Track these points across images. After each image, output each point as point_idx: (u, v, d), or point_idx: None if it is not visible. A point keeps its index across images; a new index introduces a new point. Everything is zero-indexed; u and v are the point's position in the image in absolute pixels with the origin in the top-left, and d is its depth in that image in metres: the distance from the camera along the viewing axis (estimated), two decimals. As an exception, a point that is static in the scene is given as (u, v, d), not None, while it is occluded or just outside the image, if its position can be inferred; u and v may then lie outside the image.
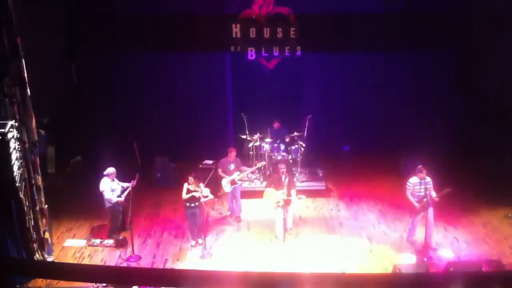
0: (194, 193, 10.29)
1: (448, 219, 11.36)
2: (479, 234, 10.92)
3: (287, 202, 10.62)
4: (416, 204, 10.09)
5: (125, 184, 10.85)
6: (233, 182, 11.58)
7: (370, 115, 14.95)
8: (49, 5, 13.15)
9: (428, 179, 10.11)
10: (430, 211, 10.18)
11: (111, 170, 10.74)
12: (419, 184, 10.07)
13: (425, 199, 10.07)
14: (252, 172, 12.82)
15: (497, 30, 13.38)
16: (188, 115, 14.96)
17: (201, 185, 10.40)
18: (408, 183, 10.21)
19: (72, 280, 3.94)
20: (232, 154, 11.72)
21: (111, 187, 10.66)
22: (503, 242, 10.58)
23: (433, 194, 10.08)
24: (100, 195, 10.69)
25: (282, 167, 10.70)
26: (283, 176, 10.60)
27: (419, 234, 10.53)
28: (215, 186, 11.69)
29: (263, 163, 12.67)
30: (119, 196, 10.69)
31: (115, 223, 10.92)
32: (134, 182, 10.73)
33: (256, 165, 12.36)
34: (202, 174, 11.15)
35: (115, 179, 10.80)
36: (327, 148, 14.78)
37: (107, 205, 10.74)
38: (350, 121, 15.03)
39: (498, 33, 13.34)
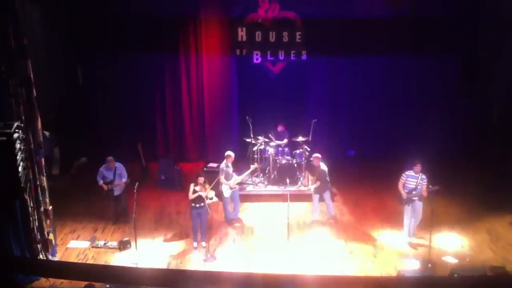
0: (200, 193, 10.31)
1: (452, 225, 11.32)
2: (483, 241, 10.86)
3: (316, 189, 11.52)
4: (404, 194, 10.60)
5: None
6: (232, 187, 11.62)
7: (375, 119, 14.93)
8: (56, 5, 13.23)
9: (423, 175, 10.51)
10: (419, 204, 10.60)
11: (108, 158, 11.45)
12: (413, 178, 10.56)
13: (414, 192, 10.48)
14: (248, 175, 12.64)
15: (503, 34, 13.37)
16: (193, 117, 14.98)
17: (207, 186, 10.43)
18: (403, 175, 10.74)
19: (76, 280, 3.94)
20: (231, 158, 11.65)
21: (103, 174, 11.42)
22: (507, 249, 10.51)
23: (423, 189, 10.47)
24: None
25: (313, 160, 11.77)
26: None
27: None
28: (217, 190, 11.66)
29: (256, 166, 12.60)
30: (106, 183, 11.37)
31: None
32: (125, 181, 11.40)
33: (250, 168, 12.22)
34: (207, 177, 11.14)
35: (116, 168, 11.40)
36: (331, 152, 14.75)
37: None
38: (355, 126, 15.02)
39: (504, 37, 13.33)
